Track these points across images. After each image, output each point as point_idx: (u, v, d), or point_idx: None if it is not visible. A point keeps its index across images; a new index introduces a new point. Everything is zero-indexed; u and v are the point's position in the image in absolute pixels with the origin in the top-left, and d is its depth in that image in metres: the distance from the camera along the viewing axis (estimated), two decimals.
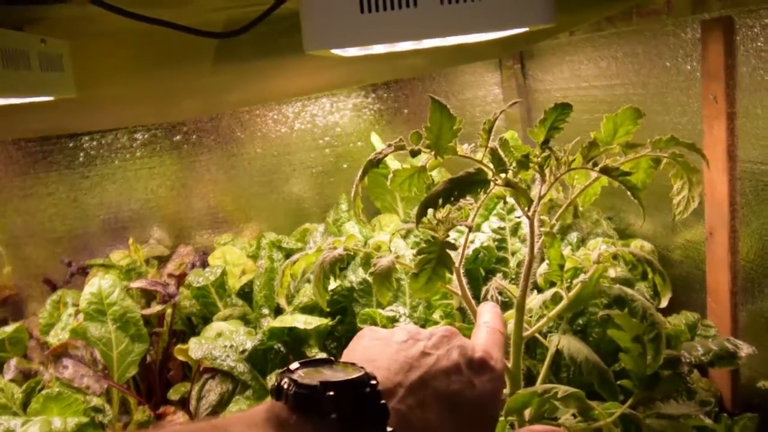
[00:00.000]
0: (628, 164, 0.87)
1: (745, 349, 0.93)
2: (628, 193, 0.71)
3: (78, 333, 1.17)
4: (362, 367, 0.51)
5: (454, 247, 0.69)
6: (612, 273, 0.95)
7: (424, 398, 0.53)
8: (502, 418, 0.77)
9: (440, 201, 0.62)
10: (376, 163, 0.72)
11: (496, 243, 1.15)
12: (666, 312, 1.32)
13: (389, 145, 0.72)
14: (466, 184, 0.65)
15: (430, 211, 0.66)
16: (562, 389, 0.72)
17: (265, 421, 0.47)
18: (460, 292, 0.79)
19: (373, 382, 0.50)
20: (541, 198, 0.73)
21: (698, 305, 1.37)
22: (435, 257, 0.67)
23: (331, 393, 0.47)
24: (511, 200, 0.76)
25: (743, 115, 1.19)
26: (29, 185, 1.75)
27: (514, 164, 0.70)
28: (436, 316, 1.16)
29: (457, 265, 0.76)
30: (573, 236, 1.25)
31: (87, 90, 1.32)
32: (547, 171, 0.72)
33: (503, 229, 1.18)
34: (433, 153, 0.69)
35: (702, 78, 1.25)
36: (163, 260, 1.67)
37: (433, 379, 0.55)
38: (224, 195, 1.86)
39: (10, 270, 1.77)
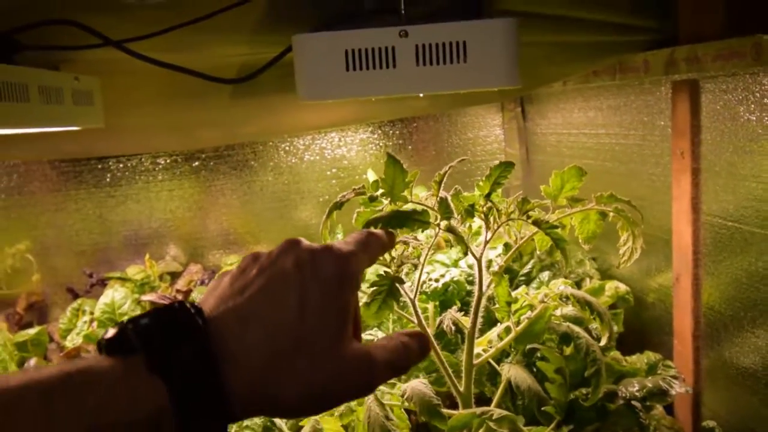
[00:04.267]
0: (577, 216, 0.97)
1: (677, 388, 1.01)
2: (556, 244, 0.82)
3: (91, 338, 1.31)
4: (183, 301, 0.47)
5: (402, 282, 0.81)
6: (566, 311, 1.05)
7: (252, 312, 0.47)
8: None
9: (379, 224, 0.74)
10: (340, 205, 0.84)
11: (470, 278, 1.26)
12: (635, 351, 1.41)
13: (352, 190, 0.84)
14: (405, 218, 0.76)
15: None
16: (497, 412, 0.82)
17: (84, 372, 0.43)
18: (416, 320, 0.90)
19: (190, 310, 0.45)
20: (486, 242, 0.84)
21: (667, 347, 1.45)
22: (386, 289, 0.78)
23: (131, 325, 0.44)
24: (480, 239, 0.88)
25: (706, 171, 1.28)
26: (60, 201, 1.91)
27: (461, 212, 0.82)
28: None
29: (412, 296, 0.87)
30: (545, 275, 1.35)
31: (116, 119, 1.48)
32: (491, 219, 0.84)
33: (471, 266, 1.28)
34: (388, 200, 0.81)
35: (672, 134, 1.35)
36: (176, 276, 1.81)
37: (266, 289, 0.48)
38: (236, 218, 2.00)
39: (39, 278, 1.92)
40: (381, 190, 0.80)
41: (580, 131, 1.76)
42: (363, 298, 0.78)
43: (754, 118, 1.13)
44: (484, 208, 0.82)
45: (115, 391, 0.41)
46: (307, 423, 0.95)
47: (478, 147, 2.09)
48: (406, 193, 0.79)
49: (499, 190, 0.84)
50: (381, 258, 0.81)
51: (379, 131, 2.04)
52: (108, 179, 1.92)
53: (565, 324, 0.99)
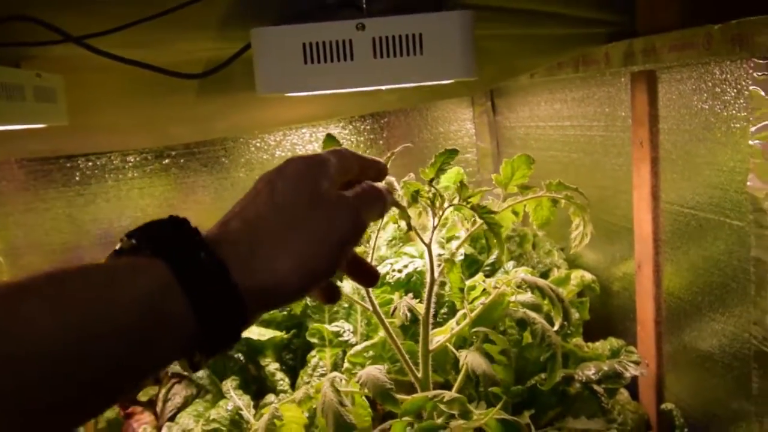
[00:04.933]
0: (531, 202, 0.99)
1: (632, 371, 1.03)
2: (491, 229, 0.83)
3: None
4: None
5: None
6: (524, 298, 1.07)
7: (233, 212, 0.53)
8: (402, 419, 0.89)
9: None
10: None
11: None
12: (600, 338, 1.44)
13: None
14: None
15: None
16: (449, 395, 0.84)
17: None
18: (371, 308, 0.91)
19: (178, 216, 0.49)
20: (434, 228, 0.86)
21: (632, 333, 1.48)
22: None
23: (126, 235, 0.48)
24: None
25: (665, 160, 1.31)
26: (29, 201, 1.90)
27: (408, 198, 0.83)
28: (380, 333, 1.28)
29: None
30: (510, 265, 1.37)
31: (81, 117, 1.47)
32: (437, 205, 0.85)
33: (441, 255, 1.30)
34: None
35: (632, 124, 1.37)
36: None
37: (249, 192, 0.54)
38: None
39: (9, 278, 1.91)
40: None
41: (546, 124, 1.78)
42: None
43: (707, 107, 1.15)
44: (429, 194, 0.84)
45: (119, 273, 0.45)
46: (267, 411, 0.96)
47: (449, 141, 2.10)
48: None
49: (443, 177, 0.85)
50: None
51: (351, 126, 2.05)
52: (77, 178, 1.91)
53: (521, 310, 1.01)
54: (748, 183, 1.04)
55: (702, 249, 1.22)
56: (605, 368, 1.05)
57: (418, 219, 0.83)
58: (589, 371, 1.04)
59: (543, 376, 1.05)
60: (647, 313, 1.40)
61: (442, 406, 0.82)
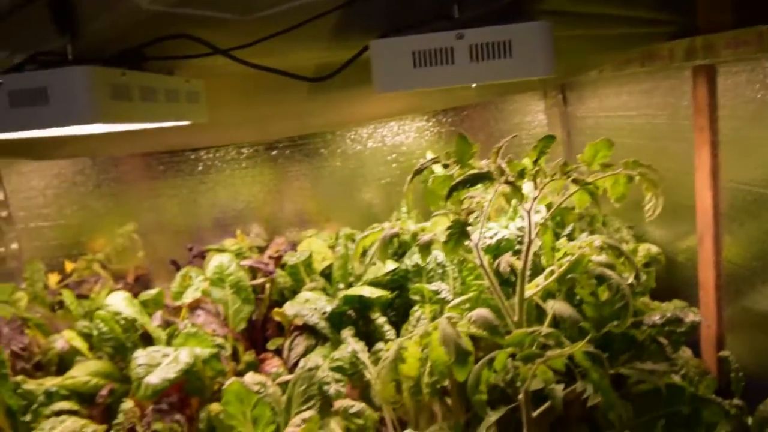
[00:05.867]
0: (609, 179, 1.21)
1: (690, 317, 1.23)
2: (591, 196, 1.05)
3: (206, 293, 1.59)
4: None
5: (469, 225, 1.05)
6: (601, 259, 1.28)
7: None
8: (505, 350, 1.12)
9: (460, 186, 0.99)
10: (421, 170, 1.09)
11: (518, 238, 1.50)
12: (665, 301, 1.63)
13: (430, 159, 1.09)
14: (477, 178, 1.01)
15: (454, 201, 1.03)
16: (545, 330, 1.06)
17: None
18: (479, 263, 1.14)
19: None
20: (535, 198, 1.09)
21: (694, 299, 1.66)
22: (458, 231, 1.03)
23: None
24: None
25: (723, 143, 1.49)
26: (160, 188, 2.23)
27: (514, 174, 1.06)
28: (470, 294, 1.51)
29: (475, 242, 1.12)
30: (584, 236, 1.57)
31: (208, 115, 1.77)
32: (538, 180, 1.08)
33: (523, 228, 1.52)
34: (458, 166, 1.06)
35: (693, 113, 1.55)
36: (261, 250, 2.10)
37: None
38: (309, 200, 2.28)
39: (143, 254, 2.24)
40: (453, 159, 1.05)
41: (615, 114, 1.97)
42: (441, 238, 1.03)
43: (760, 96, 1.33)
44: (533, 171, 1.07)
45: None
46: (390, 346, 1.21)
47: (523, 131, 2.31)
48: (471, 161, 1.04)
49: (543, 159, 1.08)
50: (454, 210, 1.06)
51: (434, 120, 2.28)
52: (200, 168, 2.22)
53: (599, 268, 1.22)
54: None
55: (758, 220, 1.40)
56: (668, 314, 1.25)
57: (520, 194, 1.05)
58: (655, 317, 1.25)
59: (616, 323, 1.26)
60: (709, 280, 1.58)
61: (541, 338, 1.05)
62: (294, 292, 1.80)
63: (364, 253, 1.80)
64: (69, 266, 2.15)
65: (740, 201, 1.45)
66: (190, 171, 2.22)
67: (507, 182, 1.04)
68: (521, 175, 1.07)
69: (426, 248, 1.10)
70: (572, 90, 2.28)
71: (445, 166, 1.07)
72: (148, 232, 2.24)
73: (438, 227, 1.50)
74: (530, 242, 1.14)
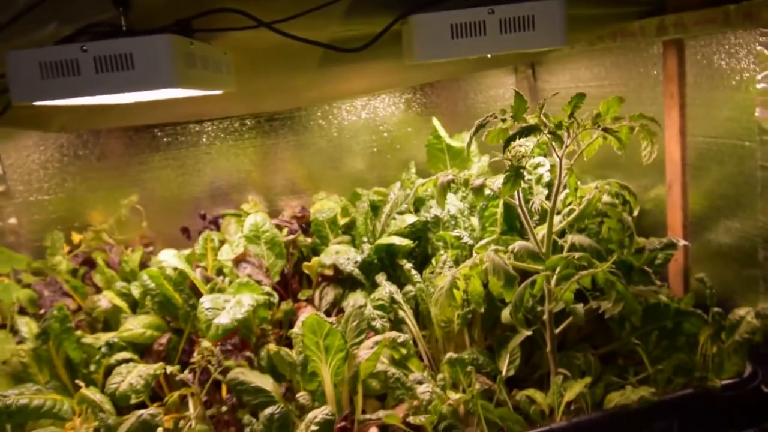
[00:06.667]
0: (620, 129, 1.46)
1: (681, 242, 1.52)
2: (619, 141, 1.29)
3: (250, 240, 1.74)
4: None
5: (523, 168, 1.27)
6: (606, 200, 1.54)
7: None
8: (543, 273, 1.35)
9: (517, 136, 1.20)
10: (483, 125, 1.30)
11: (528, 187, 1.74)
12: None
13: (492, 114, 1.30)
14: (529, 130, 1.23)
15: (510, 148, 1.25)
16: (577, 255, 1.30)
17: None
18: (517, 202, 1.37)
19: None
20: (566, 145, 1.32)
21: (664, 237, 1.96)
22: (514, 173, 1.24)
23: None
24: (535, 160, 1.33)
25: (690, 105, 1.78)
26: (164, 159, 2.31)
27: (553, 125, 1.28)
28: (489, 237, 1.73)
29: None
30: (590, 182, 1.83)
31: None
32: (571, 131, 1.31)
33: (530, 180, 1.76)
34: (513, 119, 1.27)
35: (663, 80, 1.84)
36: (270, 214, 2.24)
37: None
38: (306, 169, 2.43)
39: (146, 224, 2.32)
40: (509, 114, 1.26)
41: (586, 84, 2.24)
42: (498, 180, 1.24)
43: (724, 63, 1.63)
44: (568, 123, 1.30)
45: None
46: (444, 278, 1.42)
47: (498, 102, 2.56)
48: (523, 115, 1.26)
49: (577, 112, 1.31)
50: (509, 156, 1.27)
51: (420, 92, 2.49)
52: (204, 139, 2.32)
53: (608, 206, 1.48)
54: (756, 114, 1.52)
55: (720, 166, 1.70)
56: (664, 240, 1.53)
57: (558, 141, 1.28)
58: (654, 244, 1.52)
59: (621, 252, 1.52)
60: (677, 221, 1.88)
61: (575, 261, 1.28)
62: (314, 249, 1.97)
63: (376, 210, 1.99)
64: (76, 238, 2.20)
65: (705, 152, 1.75)
66: (195, 142, 2.31)
67: (549, 132, 1.27)
68: (559, 126, 1.30)
69: (479, 192, 1.32)
70: (541, 65, 2.54)
71: (503, 120, 1.28)
72: (153, 202, 2.32)
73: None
74: (560, 184, 1.38)
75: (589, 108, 1.59)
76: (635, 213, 1.47)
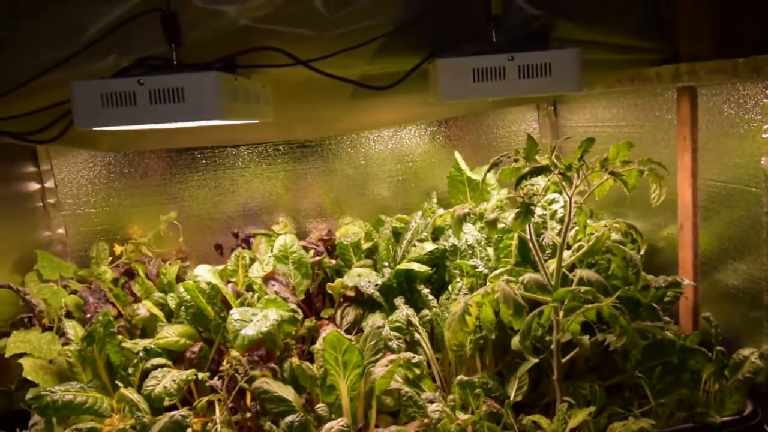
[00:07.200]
0: (627, 173, 1.55)
1: (686, 282, 1.59)
2: (625, 184, 1.39)
3: (279, 259, 1.86)
4: None
5: (534, 205, 1.38)
6: (615, 237, 1.63)
7: None
8: (550, 305, 1.44)
9: (528, 176, 1.31)
10: (497, 163, 1.41)
11: (542, 221, 1.83)
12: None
13: (505, 154, 1.41)
14: (540, 170, 1.34)
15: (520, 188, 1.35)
16: (583, 289, 1.39)
17: None
18: (528, 237, 1.47)
19: None
20: (576, 186, 1.42)
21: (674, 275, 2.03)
22: (524, 210, 1.35)
23: None
24: (550, 196, 1.43)
25: (702, 149, 1.87)
26: (201, 179, 2.46)
27: (563, 167, 1.39)
28: (503, 268, 1.83)
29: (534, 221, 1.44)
30: (606, 218, 1.92)
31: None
32: (580, 172, 1.41)
33: (545, 215, 1.86)
34: (524, 160, 1.38)
35: (677, 124, 1.93)
36: (298, 236, 2.37)
37: None
38: (333, 194, 2.56)
39: (183, 239, 2.47)
40: (521, 155, 1.37)
41: (605, 124, 2.34)
42: (510, 215, 1.34)
43: (733, 113, 1.72)
44: (577, 165, 1.40)
45: None
46: (458, 304, 1.52)
47: (520, 137, 2.66)
48: (535, 156, 1.37)
49: (586, 156, 1.41)
50: (518, 195, 1.38)
51: (444, 126, 2.61)
52: (240, 162, 2.47)
53: (614, 244, 1.57)
54: (762, 162, 1.60)
55: (729, 210, 1.78)
56: (670, 279, 1.61)
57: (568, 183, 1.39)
58: (659, 282, 1.60)
59: (628, 287, 1.60)
60: (687, 260, 1.95)
61: (580, 294, 1.37)
62: (338, 271, 2.08)
63: (397, 237, 2.10)
64: (118, 249, 2.35)
65: (715, 195, 1.83)
66: (231, 164, 2.46)
67: (559, 173, 1.37)
68: (569, 168, 1.40)
69: (492, 225, 1.42)
70: (563, 104, 2.65)
71: (515, 160, 1.39)
72: (190, 220, 2.47)
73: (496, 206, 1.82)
74: (569, 221, 1.47)
75: (606, 148, 1.70)
76: (642, 251, 1.56)
